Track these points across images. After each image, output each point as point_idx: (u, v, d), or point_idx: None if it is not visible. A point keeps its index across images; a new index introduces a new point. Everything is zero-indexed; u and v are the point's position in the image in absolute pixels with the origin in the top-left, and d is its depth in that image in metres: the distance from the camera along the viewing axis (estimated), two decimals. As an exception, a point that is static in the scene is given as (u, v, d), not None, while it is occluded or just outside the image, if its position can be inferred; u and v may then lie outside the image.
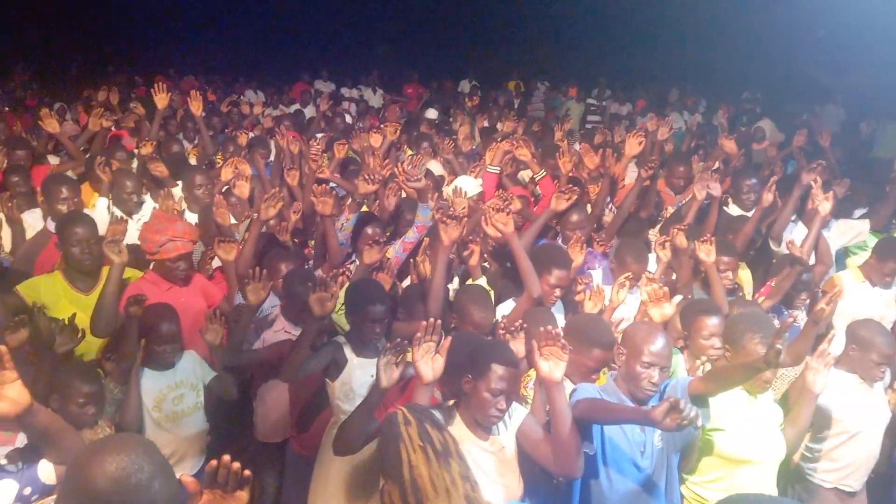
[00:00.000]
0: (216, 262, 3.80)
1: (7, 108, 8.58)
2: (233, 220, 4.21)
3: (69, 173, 4.80)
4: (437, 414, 2.32)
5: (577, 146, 6.48)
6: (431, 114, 9.38)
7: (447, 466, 1.74)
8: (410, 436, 1.78)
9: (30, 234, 3.87)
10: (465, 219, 3.29)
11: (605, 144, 6.55)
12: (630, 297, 3.63)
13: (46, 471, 2.05)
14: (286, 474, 3.35)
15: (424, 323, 2.13)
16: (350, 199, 4.53)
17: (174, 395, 2.99)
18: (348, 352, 2.92)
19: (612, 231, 4.34)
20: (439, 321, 2.16)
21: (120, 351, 2.93)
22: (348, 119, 9.08)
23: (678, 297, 3.43)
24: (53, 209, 3.81)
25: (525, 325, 2.69)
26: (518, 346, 2.60)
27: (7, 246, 3.92)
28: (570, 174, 4.70)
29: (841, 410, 3.05)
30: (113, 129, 6.20)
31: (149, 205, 4.46)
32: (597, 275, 3.91)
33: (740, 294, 3.83)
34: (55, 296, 3.17)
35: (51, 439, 1.95)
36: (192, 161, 5.80)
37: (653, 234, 4.45)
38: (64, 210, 3.75)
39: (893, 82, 9.94)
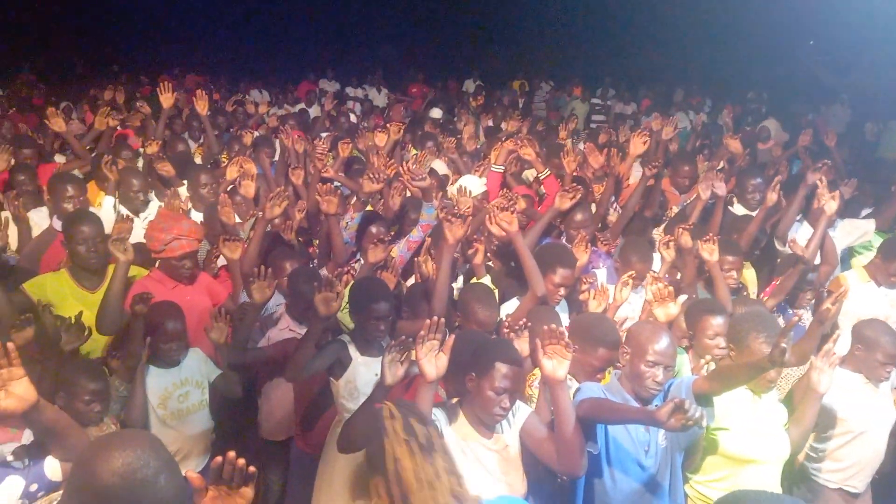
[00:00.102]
0: (221, 261, 3.81)
1: (13, 108, 8.61)
2: (238, 219, 4.22)
3: (75, 172, 4.82)
4: (441, 411, 2.33)
5: (581, 145, 6.48)
6: (436, 113, 9.39)
7: (431, 460, 1.76)
8: (395, 430, 1.79)
9: (36, 233, 3.88)
10: (470, 217, 3.29)
11: (610, 144, 6.55)
12: (635, 296, 3.63)
13: (52, 467, 2.06)
14: (291, 472, 3.36)
15: (428, 321, 2.13)
16: (355, 198, 4.53)
17: (179, 392, 3.00)
18: (353, 350, 2.92)
19: (618, 230, 4.33)
20: (443, 319, 2.16)
21: (125, 349, 2.94)
22: (353, 118, 9.09)
23: (683, 297, 3.43)
24: (59, 207, 3.83)
25: (529, 324, 2.70)
26: (522, 345, 2.60)
27: (14, 244, 3.94)
28: (575, 173, 4.70)
29: (846, 410, 3.04)
30: (119, 128, 6.22)
31: (155, 204, 4.47)
32: (601, 274, 3.91)
33: (744, 293, 3.82)
34: (61, 294, 3.18)
35: (57, 436, 1.96)
36: (198, 160, 5.82)
37: (657, 233, 4.45)
38: (69, 208, 3.77)
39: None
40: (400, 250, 3.73)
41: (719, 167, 5.49)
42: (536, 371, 2.72)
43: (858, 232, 4.72)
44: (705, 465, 2.76)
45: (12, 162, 4.77)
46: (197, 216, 4.34)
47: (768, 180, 4.53)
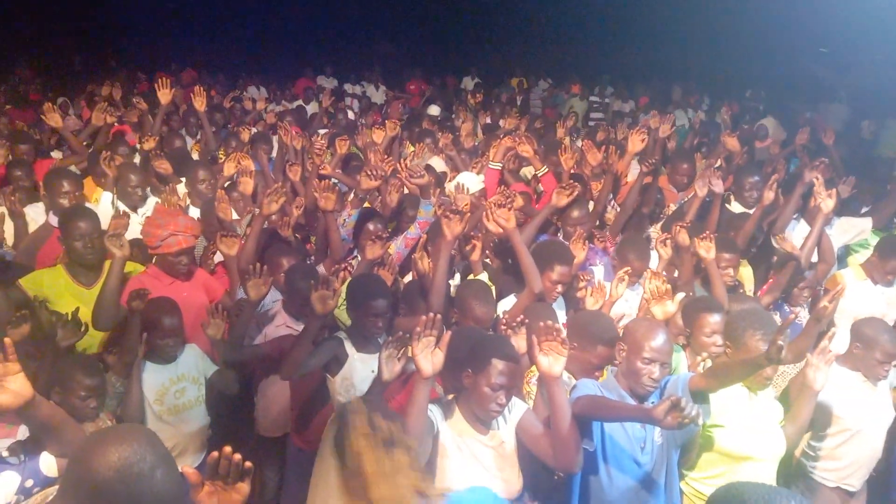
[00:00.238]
0: (218, 257, 3.80)
1: (10, 103, 8.58)
2: (235, 216, 4.21)
3: (72, 168, 4.81)
4: (437, 407, 2.33)
5: (579, 143, 6.48)
6: (434, 110, 9.38)
7: (391, 455, 1.78)
8: (357, 424, 1.81)
9: (32, 229, 3.88)
10: (468, 214, 3.30)
11: (608, 142, 6.55)
12: (632, 293, 3.64)
13: (48, 463, 2.05)
14: (287, 469, 3.36)
15: (424, 317, 2.13)
16: (352, 195, 4.54)
17: (176, 388, 3.00)
18: (349, 347, 2.92)
19: (617, 228, 4.34)
20: (439, 315, 2.16)
21: (122, 345, 2.94)
22: (351, 115, 9.08)
23: (681, 295, 3.44)
24: (55, 203, 3.82)
25: (526, 321, 2.70)
26: (520, 342, 2.60)
27: (10, 240, 3.93)
28: (573, 171, 4.70)
29: (844, 408, 3.05)
30: (116, 124, 6.21)
31: (152, 200, 4.46)
32: (598, 271, 3.92)
33: (741, 291, 3.83)
34: (58, 290, 3.18)
35: (52, 432, 1.96)
36: (195, 157, 5.81)
37: (654, 231, 4.46)
38: (65, 204, 3.76)
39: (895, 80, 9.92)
40: (397, 247, 3.73)
41: (717, 165, 5.50)
42: (534, 368, 2.73)
43: (855, 230, 4.73)
44: (701, 462, 2.77)
45: (9, 157, 4.77)
46: (195, 212, 4.34)
47: (766, 178, 4.54)
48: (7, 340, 1.78)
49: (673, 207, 4.77)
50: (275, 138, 6.35)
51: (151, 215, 3.59)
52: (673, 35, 14.26)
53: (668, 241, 3.71)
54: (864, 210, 5.11)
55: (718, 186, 4.27)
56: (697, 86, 12.84)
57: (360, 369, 2.90)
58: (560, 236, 4.08)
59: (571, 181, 3.99)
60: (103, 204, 4.26)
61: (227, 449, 1.55)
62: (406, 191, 4.14)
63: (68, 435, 1.98)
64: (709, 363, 2.93)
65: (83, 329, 2.86)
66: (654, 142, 5.59)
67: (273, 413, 3.42)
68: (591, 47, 15.28)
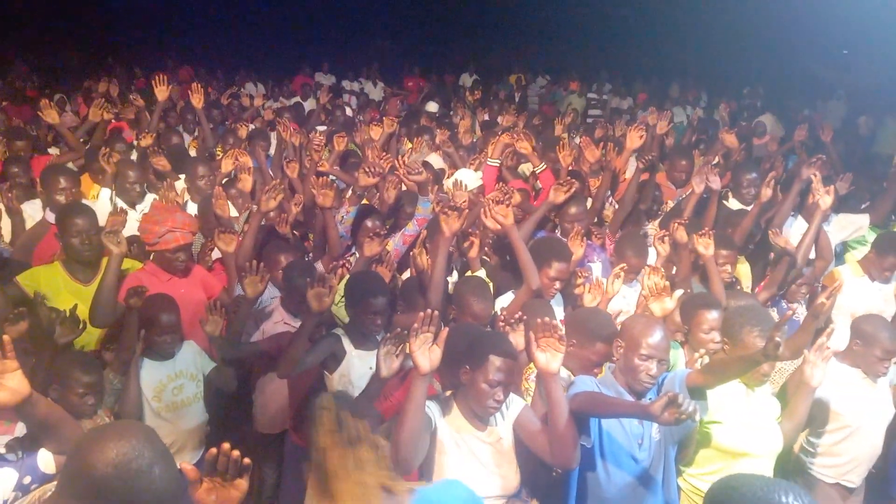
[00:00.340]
0: (216, 254, 3.80)
1: (7, 100, 8.55)
2: (234, 212, 4.21)
3: (69, 165, 4.80)
4: (435, 404, 2.33)
5: (577, 140, 6.48)
6: (432, 107, 9.37)
7: (354, 452, 1.80)
8: (324, 420, 1.84)
9: (29, 225, 3.87)
10: (466, 210, 3.30)
11: (606, 138, 6.55)
12: (630, 290, 3.64)
13: (46, 460, 2.05)
14: (285, 465, 3.36)
15: (422, 314, 2.14)
16: (350, 192, 4.53)
17: (174, 385, 3.00)
18: (347, 344, 2.92)
19: (617, 225, 4.35)
20: (437, 312, 2.16)
21: (120, 341, 2.93)
22: (348, 112, 9.07)
23: (679, 292, 3.44)
24: (52, 199, 3.81)
25: (525, 318, 2.70)
26: (518, 338, 2.60)
27: (7, 236, 3.92)
28: (571, 168, 4.70)
29: (843, 405, 3.05)
30: (112, 120, 6.20)
31: (150, 197, 4.46)
32: (596, 268, 3.92)
33: (738, 287, 3.84)
34: (55, 286, 3.17)
35: (50, 429, 1.96)
36: (192, 153, 5.80)
37: (652, 228, 4.46)
38: (62, 200, 3.75)
39: (894, 78, 9.92)
40: (395, 244, 3.73)
41: (715, 162, 5.51)
42: (533, 364, 2.73)
43: (853, 227, 4.74)
44: (699, 459, 2.78)
45: (6, 154, 4.76)
46: (194, 208, 4.33)
47: (764, 175, 4.55)
48: (6, 338, 1.78)
49: (671, 204, 4.77)
50: (272, 135, 6.34)
51: (149, 212, 3.58)
52: (671, 32, 14.26)
53: (666, 238, 3.71)
54: (863, 206, 5.12)
55: (716, 183, 4.27)
56: (696, 83, 12.84)
57: (357, 366, 2.90)
58: (558, 233, 4.08)
59: (569, 178, 3.99)
60: (101, 200, 4.25)
61: (226, 446, 1.55)
62: (404, 188, 4.14)
63: (66, 432, 1.97)
64: (706, 360, 2.94)
65: (82, 326, 2.85)
66: (652, 138, 5.59)
67: (271, 410, 3.42)
68: (590, 44, 15.26)
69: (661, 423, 2.12)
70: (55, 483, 1.59)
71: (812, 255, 4.07)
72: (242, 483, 1.58)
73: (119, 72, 10.91)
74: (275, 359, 3.01)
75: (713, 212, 4.25)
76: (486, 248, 3.80)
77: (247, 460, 1.58)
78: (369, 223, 3.76)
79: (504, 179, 4.76)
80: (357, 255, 3.62)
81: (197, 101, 5.83)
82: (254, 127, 6.65)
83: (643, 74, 13.48)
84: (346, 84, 12.38)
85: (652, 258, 3.79)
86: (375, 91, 12.33)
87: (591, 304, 3.27)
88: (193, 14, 15.36)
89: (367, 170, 3.82)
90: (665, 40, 14.50)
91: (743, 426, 2.71)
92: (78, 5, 15.14)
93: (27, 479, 2.01)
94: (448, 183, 4.72)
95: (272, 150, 5.91)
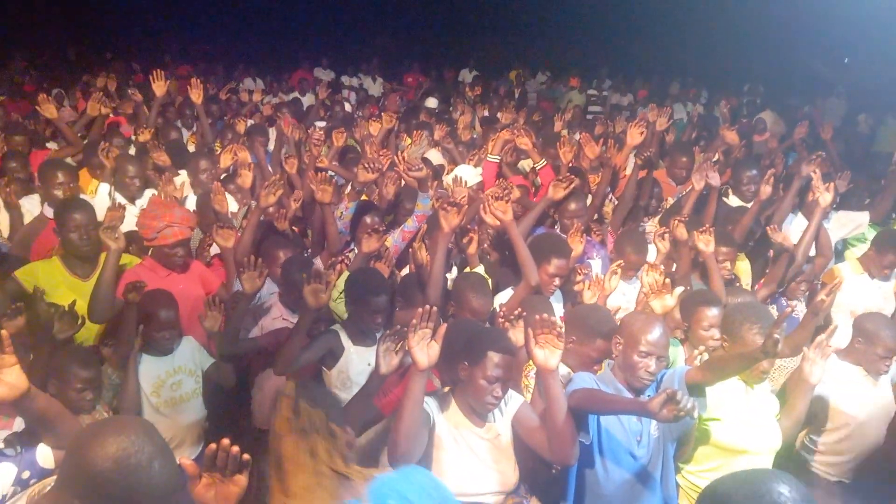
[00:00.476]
0: (214, 249, 3.79)
1: (4, 95, 8.53)
2: (235, 206, 4.20)
3: (68, 159, 4.79)
4: (433, 399, 2.32)
5: (577, 136, 6.47)
6: (431, 103, 9.35)
7: (308, 440, 1.82)
8: (283, 408, 1.87)
9: (28, 220, 3.86)
10: (465, 206, 3.29)
11: (607, 135, 6.54)
12: (629, 287, 3.63)
13: (45, 455, 2.05)
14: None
15: (420, 310, 2.13)
16: (349, 188, 4.52)
17: (172, 380, 3.00)
18: (345, 340, 2.92)
19: (618, 222, 4.35)
20: (435, 308, 2.16)
21: (118, 337, 2.93)
22: (347, 108, 9.05)
23: (680, 289, 3.44)
24: (50, 194, 3.80)
25: (524, 314, 2.69)
26: (517, 335, 2.60)
27: (5, 231, 3.92)
28: (571, 164, 4.69)
29: (845, 403, 3.05)
30: (111, 115, 6.18)
31: (149, 192, 4.45)
32: (596, 265, 3.91)
33: (737, 284, 3.84)
34: (53, 281, 3.16)
35: (48, 424, 1.95)
36: (191, 149, 5.78)
37: (651, 224, 4.45)
38: (60, 195, 3.74)
39: (894, 77, 9.92)
40: (394, 240, 3.72)
41: (715, 159, 5.50)
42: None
43: (852, 224, 4.74)
44: (697, 456, 2.78)
45: (4, 149, 4.74)
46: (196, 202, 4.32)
47: (764, 172, 4.54)
48: (4, 333, 1.77)
49: (671, 201, 4.77)
50: (271, 130, 6.32)
51: (147, 207, 3.58)
52: (672, 29, 14.24)
53: (667, 235, 3.70)
54: (866, 202, 5.12)
55: (715, 180, 4.27)
56: (696, 79, 12.84)
57: (356, 362, 2.90)
58: (557, 229, 4.07)
59: (569, 174, 3.98)
60: (100, 196, 4.24)
61: (226, 441, 1.55)
62: (403, 184, 4.13)
63: (64, 427, 1.97)
64: (706, 356, 2.93)
65: (81, 322, 2.85)
66: (652, 135, 5.58)
67: (269, 406, 3.41)
68: (590, 41, 15.25)
69: (659, 420, 2.12)
70: (54, 478, 1.59)
71: (812, 253, 4.07)
72: (241, 479, 1.58)
73: (117, 67, 10.88)
74: (273, 355, 3.01)
75: (713, 209, 4.25)
76: (485, 245, 3.79)
77: (246, 456, 1.57)
78: (368, 219, 3.75)
79: (504, 176, 4.76)
80: (356, 250, 3.62)
81: (196, 96, 5.81)
82: (252, 122, 6.64)
83: (643, 71, 13.47)
84: (345, 80, 12.35)
85: (652, 255, 3.79)
86: (375, 87, 12.30)
87: (591, 300, 3.26)
88: (192, 9, 15.32)
89: (367, 166, 3.81)
90: (666, 37, 14.49)
91: (742, 423, 2.71)
92: (75, 0, 15.10)
93: (26, 474, 2.00)
94: (447, 179, 4.72)
95: (271, 146, 5.89)
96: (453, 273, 3.76)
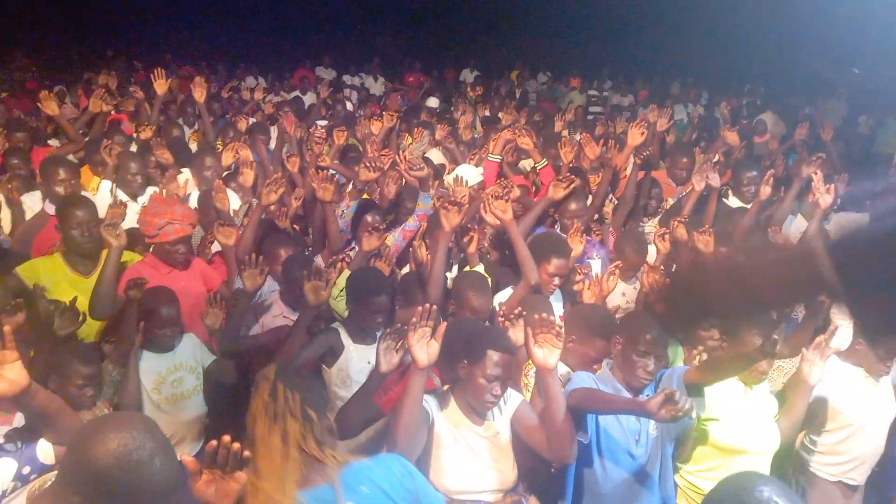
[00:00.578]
0: (215, 247, 3.80)
1: (7, 91, 8.54)
2: (237, 203, 4.20)
3: (69, 156, 4.79)
4: (432, 398, 2.33)
5: (577, 136, 6.48)
6: (432, 102, 9.36)
7: (281, 424, 1.85)
8: (260, 390, 1.91)
9: (29, 217, 3.87)
10: (466, 206, 3.30)
11: (607, 135, 6.55)
12: (629, 287, 3.64)
13: (45, 450, 2.05)
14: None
15: (421, 308, 2.14)
16: (351, 187, 4.53)
17: (173, 377, 3.00)
18: (345, 338, 2.93)
19: (619, 222, 4.35)
20: (435, 306, 2.17)
21: (119, 334, 2.93)
22: (349, 106, 9.06)
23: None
24: (51, 191, 3.81)
25: (524, 313, 2.70)
26: (517, 334, 2.61)
27: (7, 228, 3.92)
28: (572, 164, 4.70)
29: (846, 404, 3.05)
30: (112, 112, 6.19)
31: (152, 189, 4.45)
32: (596, 265, 3.92)
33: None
34: (55, 278, 3.17)
35: (49, 420, 1.96)
36: (193, 147, 5.79)
37: (651, 225, 4.46)
38: (61, 192, 3.75)
39: (894, 78, 9.91)
40: (395, 239, 3.73)
41: (715, 159, 5.51)
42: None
43: (852, 226, 4.73)
44: (696, 455, 2.78)
45: (6, 145, 4.75)
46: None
47: (764, 173, 4.55)
48: (7, 329, 1.78)
49: (671, 201, 4.77)
50: (272, 129, 6.32)
51: (148, 204, 3.58)
52: (672, 30, 14.23)
53: (667, 236, 3.71)
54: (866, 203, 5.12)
55: (715, 180, 4.27)
56: (697, 80, 12.84)
57: (355, 360, 2.91)
58: (557, 229, 4.08)
59: (569, 174, 3.99)
60: (102, 193, 4.25)
61: (226, 438, 1.55)
62: (405, 183, 4.13)
63: (65, 423, 1.98)
64: (705, 356, 2.94)
65: (82, 318, 2.85)
66: (653, 136, 5.59)
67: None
68: (591, 41, 15.24)
69: (657, 420, 2.12)
70: (54, 473, 1.59)
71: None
72: (242, 475, 1.58)
73: (119, 64, 10.89)
74: (274, 352, 3.02)
75: (713, 209, 4.25)
76: (485, 244, 3.80)
77: (247, 453, 1.58)
78: (369, 218, 3.76)
79: (505, 175, 4.76)
80: (357, 249, 3.63)
81: (199, 95, 5.81)
82: (254, 121, 6.64)
83: (644, 71, 13.47)
84: (346, 79, 12.36)
85: (652, 255, 3.79)
86: (376, 86, 12.31)
87: (591, 300, 3.27)
88: (194, 7, 15.31)
89: (368, 165, 3.82)
90: (666, 38, 14.48)
91: (740, 423, 2.72)
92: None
93: (26, 469, 2.01)
94: (448, 179, 4.72)
95: (272, 144, 5.90)
96: (453, 272, 3.76)
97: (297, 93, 10.19)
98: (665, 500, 2.57)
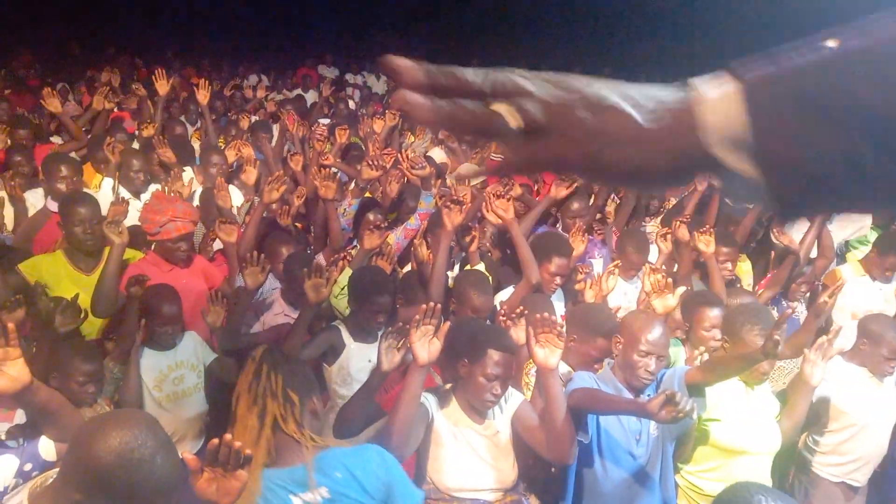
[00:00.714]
0: (217, 245, 3.80)
1: (9, 89, 8.53)
2: (239, 200, 4.20)
3: (72, 154, 4.80)
4: (433, 396, 2.33)
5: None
6: (435, 101, 9.33)
7: (261, 403, 1.88)
8: (246, 370, 1.94)
9: (31, 214, 3.87)
10: (468, 205, 3.30)
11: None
12: (630, 287, 3.64)
13: (47, 447, 2.06)
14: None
15: (423, 306, 2.14)
16: (353, 185, 4.53)
17: (175, 375, 3.00)
18: (346, 336, 2.93)
19: (622, 222, 4.35)
20: (438, 305, 2.17)
21: (120, 331, 2.94)
22: (351, 105, 9.05)
23: (682, 289, 3.44)
24: (53, 188, 3.81)
25: (526, 312, 2.70)
26: (518, 333, 2.61)
27: (10, 225, 3.93)
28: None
29: (849, 404, 3.05)
30: (115, 110, 6.19)
31: (154, 187, 4.45)
32: (598, 264, 3.92)
33: (738, 285, 3.84)
34: (57, 275, 3.17)
35: (50, 417, 1.96)
36: (195, 144, 5.79)
37: (653, 225, 4.46)
38: (63, 189, 3.75)
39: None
40: (397, 238, 3.73)
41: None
42: (532, 359, 2.73)
43: (854, 226, 4.73)
44: (697, 456, 2.78)
45: (8, 142, 4.75)
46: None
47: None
48: (11, 326, 1.78)
49: (673, 201, 4.77)
50: (274, 127, 6.32)
51: (150, 201, 3.58)
52: (674, 29, 14.23)
53: (668, 235, 3.71)
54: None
55: (717, 180, 4.26)
56: (698, 80, 12.81)
57: (357, 359, 2.91)
58: (559, 228, 4.08)
59: (572, 174, 3.98)
60: (104, 190, 4.25)
61: (228, 436, 1.55)
62: (407, 181, 4.13)
63: (66, 420, 1.98)
64: (706, 357, 2.94)
65: (83, 315, 2.85)
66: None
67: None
68: (592, 41, 15.23)
69: (658, 421, 2.12)
70: (56, 470, 1.60)
71: (813, 254, 4.07)
72: (243, 474, 1.58)
73: (121, 62, 10.88)
74: (275, 350, 3.01)
75: (714, 209, 4.25)
76: (486, 243, 3.79)
77: (248, 451, 1.58)
78: (371, 216, 3.76)
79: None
80: (358, 247, 3.63)
81: (203, 97, 5.80)
82: (256, 118, 6.64)
83: (645, 72, 13.44)
84: (349, 77, 12.35)
85: (653, 255, 3.79)
86: (379, 85, 12.30)
87: (592, 299, 3.27)
88: (196, 4, 15.31)
89: (370, 163, 3.82)
90: (668, 37, 14.47)
91: (741, 424, 2.71)
92: (81, -5, 15.11)
93: (28, 466, 2.01)
94: (451, 178, 4.72)
95: (273, 143, 5.89)
96: (454, 271, 3.76)
97: (299, 91, 10.17)
98: (666, 501, 2.57)
